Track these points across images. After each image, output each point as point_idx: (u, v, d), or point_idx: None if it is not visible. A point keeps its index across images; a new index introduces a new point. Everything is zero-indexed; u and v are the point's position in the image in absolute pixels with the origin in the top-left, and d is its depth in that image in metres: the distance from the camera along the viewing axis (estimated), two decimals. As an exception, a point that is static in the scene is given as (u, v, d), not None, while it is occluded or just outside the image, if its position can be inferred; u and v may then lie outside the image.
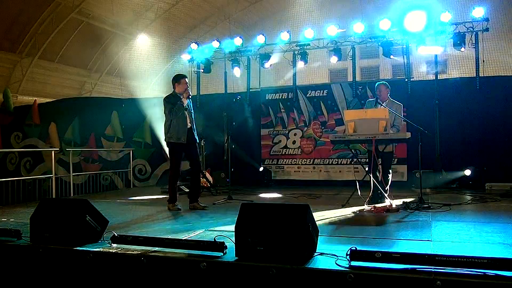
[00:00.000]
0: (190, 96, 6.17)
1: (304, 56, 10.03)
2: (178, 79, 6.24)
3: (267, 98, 10.50)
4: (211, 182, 8.96)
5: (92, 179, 10.58)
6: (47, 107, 12.76)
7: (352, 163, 9.51)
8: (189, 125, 6.14)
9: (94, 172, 10.88)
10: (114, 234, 3.93)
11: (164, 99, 6.15)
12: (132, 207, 6.88)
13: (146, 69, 16.07)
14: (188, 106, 6.16)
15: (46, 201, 4.29)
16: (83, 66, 17.98)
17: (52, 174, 8.68)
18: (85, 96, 17.77)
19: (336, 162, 9.76)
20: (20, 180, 8.81)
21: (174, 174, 6.16)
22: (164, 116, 6.17)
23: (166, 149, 6.59)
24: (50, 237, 3.98)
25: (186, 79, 6.27)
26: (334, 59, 9.71)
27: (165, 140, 6.18)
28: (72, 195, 9.23)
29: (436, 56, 9.05)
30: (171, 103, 6.06)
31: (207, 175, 8.97)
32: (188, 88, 6.20)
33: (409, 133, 5.98)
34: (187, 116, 6.15)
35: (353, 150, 7.92)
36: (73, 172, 9.24)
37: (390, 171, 6.36)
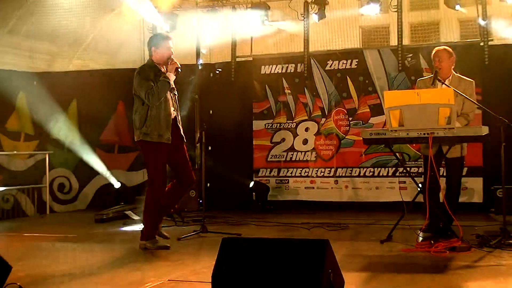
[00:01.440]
0: (179, 70, 6.10)
1: (321, 8, 10.00)
2: (157, 41, 6.23)
3: (263, 71, 10.48)
4: (175, 205, 8.90)
5: (-16, 200, 10.50)
6: None
7: (397, 174, 9.51)
8: (173, 114, 6.14)
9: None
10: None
11: (136, 73, 6.06)
12: (50, 245, 6.77)
13: (70, 26, 15.94)
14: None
15: None
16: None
17: None
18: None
19: (371, 174, 9.75)
20: None
21: (157, 192, 6.12)
22: (135, 101, 6.08)
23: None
24: None
25: (171, 41, 6.22)
26: (369, 10, 9.71)
27: (137, 138, 6.03)
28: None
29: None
30: (149, 79, 5.98)
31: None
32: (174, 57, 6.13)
33: (487, 127, 5.98)
34: (172, 101, 6.14)
35: (398, 155, 7.92)
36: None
37: (459, 188, 6.34)
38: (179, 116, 6.32)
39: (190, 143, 10.33)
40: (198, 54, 10.85)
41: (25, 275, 4.85)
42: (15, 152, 11.38)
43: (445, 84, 6.20)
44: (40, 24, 15.94)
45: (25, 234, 7.67)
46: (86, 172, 11.19)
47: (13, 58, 18.18)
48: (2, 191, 10.84)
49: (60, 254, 6.02)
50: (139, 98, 6.02)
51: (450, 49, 6.49)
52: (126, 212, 8.81)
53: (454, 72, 6.42)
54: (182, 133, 6.26)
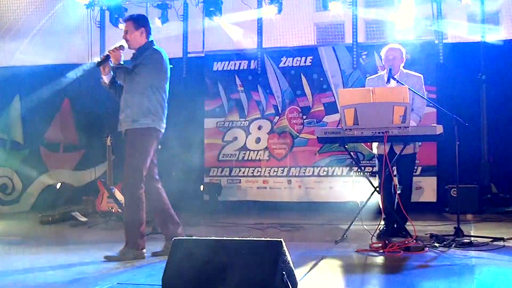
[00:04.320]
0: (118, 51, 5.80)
1: (276, 1, 10.02)
2: None
3: (215, 68, 10.46)
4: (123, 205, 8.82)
5: None
6: None
7: (352, 174, 9.60)
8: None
9: None
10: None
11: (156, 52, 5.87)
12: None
13: (14, 18, 15.64)
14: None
15: None
16: None
17: None
18: None
19: (325, 173, 9.83)
20: None
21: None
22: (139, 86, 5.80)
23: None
24: None
25: (124, 24, 6.03)
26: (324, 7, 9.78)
27: (136, 124, 5.78)
28: None
29: (482, 2, 9.27)
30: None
31: (116, 193, 8.83)
32: (122, 44, 5.89)
33: (441, 126, 6.08)
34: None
35: (352, 154, 7.99)
36: None
37: (412, 185, 6.43)
38: (122, 103, 5.92)
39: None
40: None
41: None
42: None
43: (400, 82, 6.28)
44: (-19, 16, 15.58)
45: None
46: (30, 171, 11.01)
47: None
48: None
49: (3, 256, 5.89)
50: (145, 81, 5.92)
51: (403, 49, 6.58)
52: (73, 213, 8.67)
53: (402, 68, 6.53)
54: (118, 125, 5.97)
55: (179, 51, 10.70)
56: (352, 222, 6.33)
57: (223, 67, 10.44)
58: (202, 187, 10.02)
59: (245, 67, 10.34)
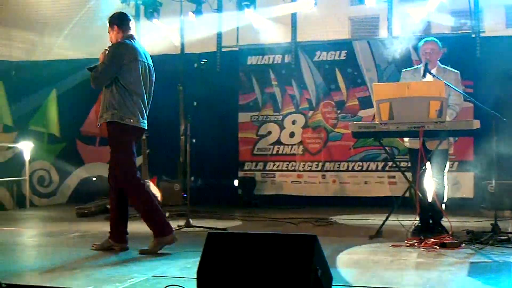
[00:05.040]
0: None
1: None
2: None
3: (249, 62, 10.47)
4: (158, 199, 8.90)
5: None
6: None
7: (386, 169, 9.55)
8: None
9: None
10: (0, 284, 3.87)
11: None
12: (31, 240, 6.74)
13: (52, 13, 15.83)
14: None
15: None
16: None
17: None
18: None
19: (359, 168, 9.79)
20: None
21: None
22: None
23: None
24: None
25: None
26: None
27: (101, 120, 5.83)
28: None
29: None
30: None
31: (152, 187, 8.91)
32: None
33: (478, 121, 6.01)
34: None
35: (387, 149, 7.95)
36: None
37: (446, 181, 6.38)
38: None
39: (174, 136, 10.38)
40: (182, 44, 10.82)
41: (4, 270, 4.82)
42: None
43: (436, 77, 6.22)
44: (19, 12, 15.79)
45: (4, 228, 7.61)
46: (67, 165, 11.15)
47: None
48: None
49: (41, 249, 5.98)
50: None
51: (438, 41, 6.51)
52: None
53: (439, 64, 6.45)
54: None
55: (213, 46, 10.72)
56: (387, 218, 6.30)
57: (257, 61, 10.46)
58: (236, 181, 10.03)
59: (279, 61, 10.34)
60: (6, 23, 16.35)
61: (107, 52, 5.78)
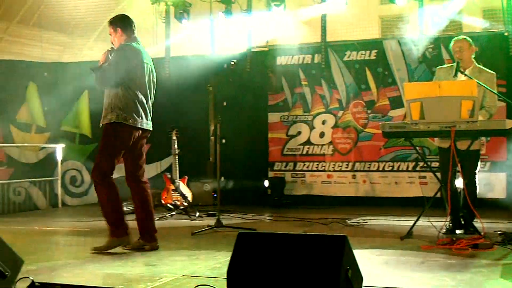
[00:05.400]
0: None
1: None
2: None
3: (278, 62, 10.47)
4: (189, 198, 8.96)
5: (-5, 193, 10.58)
6: None
7: (417, 169, 9.49)
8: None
9: (0, 181, 10.86)
10: (32, 282, 3.92)
11: None
12: (62, 238, 6.86)
13: (82, 15, 16.03)
14: None
15: None
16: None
17: None
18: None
19: (390, 168, 9.74)
20: None
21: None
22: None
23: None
24: None
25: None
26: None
27: (105, 120, 5.98)
28: (-37, 218, 9.25)
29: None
30: None
31: (182, 187, 8.97)
32: (109, 49, 6.01)
33: (510, 120, 5.93)
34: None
35: (418, 149, 7.90)
36: (-35, 182, 9.25)
37: (477, 182, 6.32)
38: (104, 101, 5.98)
39: (204, 136, 10.43)
40: (212, 45, 10.87)
41: (37, 268, 4.90)
42: (26, 144, 11.48)
43: (468, 76, 6.16)
44: (51, 14, 16.04)
45: (37, 228, 7.73)
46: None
47: (23, 48, 18.32)
48: (15, 183, 10.95)
49: (72, 248, 6.06)
50: None
51: (469, 39, 6.44)
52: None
53: (475, 63, 6.38)
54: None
55: (243, 46, 10.75)
56: (418, 218, 6.26)
57: (287, 62, 10.45)
58: (267, 182, 10.03)
59: (309, 61, 10.33)
60: (39, 25, 16.63)
61: (112, 53, 5.87)
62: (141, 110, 5.83)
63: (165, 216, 8.49)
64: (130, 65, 5.75)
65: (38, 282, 3.92)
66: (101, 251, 5.69)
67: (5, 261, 4.10)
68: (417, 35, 9.78)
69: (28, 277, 3.99)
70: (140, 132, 5.88)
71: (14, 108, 11.65)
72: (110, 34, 5.98)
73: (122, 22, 5.98)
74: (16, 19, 18.29)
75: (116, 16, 6.10)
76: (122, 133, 5.75)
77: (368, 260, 5.10)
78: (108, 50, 5.95)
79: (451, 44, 6.45)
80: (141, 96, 5.84)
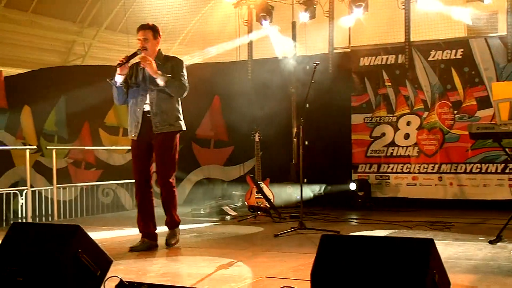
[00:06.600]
0: (144, 62, 6.04)
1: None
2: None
3: (361, 63, 10.40)
4: (272, 200, 9.00)
5: (86, 194, 10.93)
6: (18, 82, 13.34)
7: (507, 171, 9.23)
8: (146, 107, 6.15)
9: (89, 183, 11.23)
10: (121, 281, 4.04)
11: None
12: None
13: (167, 20, 16.39)
14: (146, 74, 6.14)
15: (19, 228, 4.47)
16: (71, 18, 18.60)
17: (26, 185, 9.03)
18: (74, 64, 18.37)
19: (478, 170, 9.49)
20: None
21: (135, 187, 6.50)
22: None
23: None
24: (24, 283, 4.14)
25: (140, 31, 6.20)
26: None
27: (172, 128, 6.36)
28: (56, 218, 9.59)
29: None
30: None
31: (265, 188, 9.02)
32: (140, 50, 6.10)
33: None
34: (143, 92, 6.18)
35: (508, 150, 7.66)
36: (57, 183, 9.58)
37: None
38: (161, 106, 6.13)
39: (287, 138, 10.47)
40: (294, 47, 10.90)
41: (125, 268, 5.05)
42: (114, 146, 11.83)
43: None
44: (137, 20, 16.44)
45: (125, 228, 7.93)
46: (182, 167, 11.45)
47: (111, 53, 18.89)
48: (103, 184, 11.31)
49: (159, 248, 6.19)
50: None
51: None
52: (223, 208, 8.98)
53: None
54: (153, 127, 6.09)
55: (325, 47, 10.73)
56: (508, 221, 6.09)
57: (370, 62, 10.36)
58: (354, 185, 9.94)
59: (393, 62, 10.20)
60: (125, 31, 17.12)
61: (164, 63, 6.19)
62: None
63: (248, 217, 8.56)
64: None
65: (127, 281, 4.04)
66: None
67: (95, 261, 4.25)
68: (506, 32, 9.50)
69: (117, 276, 4.11)
70: None
71: (102, 112, 12.05)
72: (147, 38, 6.13)
73: (160, 33, 6.31)
74: (104, 25, 18.92)
75: (154, 24, 6.31)
76: (178, 139, 6.34)
77: (456, 265, 5.01)
78: (136, 53, 6.11)
79: None
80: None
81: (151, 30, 6.18)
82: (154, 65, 5.95)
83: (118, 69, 6.01)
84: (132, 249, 6.04)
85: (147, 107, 6.10)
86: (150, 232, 6.22)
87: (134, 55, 6.07)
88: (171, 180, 6.32)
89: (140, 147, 6.23)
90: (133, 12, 17.18)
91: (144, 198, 6.31)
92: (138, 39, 6.15)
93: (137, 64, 6.19)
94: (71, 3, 17.97)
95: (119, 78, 6.07)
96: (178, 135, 6.31)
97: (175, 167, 6.35)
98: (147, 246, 6.10)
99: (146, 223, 6.24)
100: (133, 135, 6.19)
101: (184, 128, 6.36)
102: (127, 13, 17.19)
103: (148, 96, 6.10)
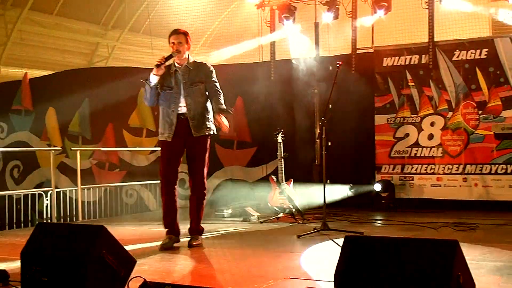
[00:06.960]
0: (159, 64, 6.15)
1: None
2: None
3: (384, 64, 10.35)
4: (295, 201, 8.99)
5: (110, 195, 11.01)
6: (43, 83, 13.48)
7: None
8: (181, 110, 6.25)
9: (113, 184, 11.30)
10: (144, 281, 4.06)
11: None
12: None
13: (190, 22, 16.47)
14: (179, 78, 6.28)
15: (44, 228, 4.52)
16: (95, 21, 18.77)
17: (51, 186, 9.12)
18: (98, 65, 18.54)
19: (503, 171, 9.40)
20: (3, 196, 9.35)
21: (161, 188, 6.61)
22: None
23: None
24: (49, 283, 4.18)
25: (174, 35, 6.30)
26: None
27: (210, 131, 6.53)
28: (80, 218, 9.68)
29: None
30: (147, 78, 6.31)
31: (288, 189, 9.01)
32: (175, 53, 6.22)
33: None
34: (176, 95, 6.27)
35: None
36: (82, 184, 9.67)
37: None
38: (198, 109, 6.28)
39: (310, 139, 10.46)
40: (317, 47, 10.89)
41: (149, 268, 5.08)
42: (138, 148, 11.90)
43: None
44: (160, 22, 16.57)
45: (148, 229, 7.97)
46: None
47: (135, 55, 19.06)
48: (127, 185, 11.38)
49: (182, 249, 6.22)
50: None
51: None
52: (246, 209, 8.99)
53: None
54: (192, 130, 6.22)
55: (347, 48, 10.70)
56: (534, 223, 6.05)
57: (393, 63, 10.31)
58: (379, 186, 9.88)
59: (416, 62, 10.14)
60: (149, 33, 17.22)
61: (197, 69, 6.35)
62: None
63: (271, 218, 8.56)
64: None
65: (150, 282, 4.06)
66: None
67: (119, 260, 4.28)
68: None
69: (140, 277, 4.14)
70: None
71: (126, 113, 12.13)
72: (180, 42, 6.23)
73: (191, 39, 6.44)
74: (127, 27, 19.08)
75: (187, 31, 6.44)
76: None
77: (481, 267, 4.96)
78: (170, 56, 6.20)
79: None
80: None
81: (184, 35, 6.32)
82: (226, 123, 6.28)
83: (155, 70, 6.11)
84: (163, 247, 6.14)
85: (182, 110, 6.22)
86: (175, 229, 6.35)
87: (170, 57, 6.19)
88: (205, 186, 6.48)
89: (172, 150, 6.33)
90: (156, 14, 17.31)
91: (170, 196, 6.42)
92: (172, 42, 6.24)
93: (169, 67, 6.28)
94: (95, 5, 18.14)
95: (154, 79, 6.16)
96: (209, 139, 6.43)
97: (207, 171, 6.47)
98: (174, 241, 6.25)
99: (173, 219, 6.37)
100: (166, 137, 6.26)
101: (215, 132, 6.46)
102: (150, 15, 17.33)
103: (182, 99, 6.23)
